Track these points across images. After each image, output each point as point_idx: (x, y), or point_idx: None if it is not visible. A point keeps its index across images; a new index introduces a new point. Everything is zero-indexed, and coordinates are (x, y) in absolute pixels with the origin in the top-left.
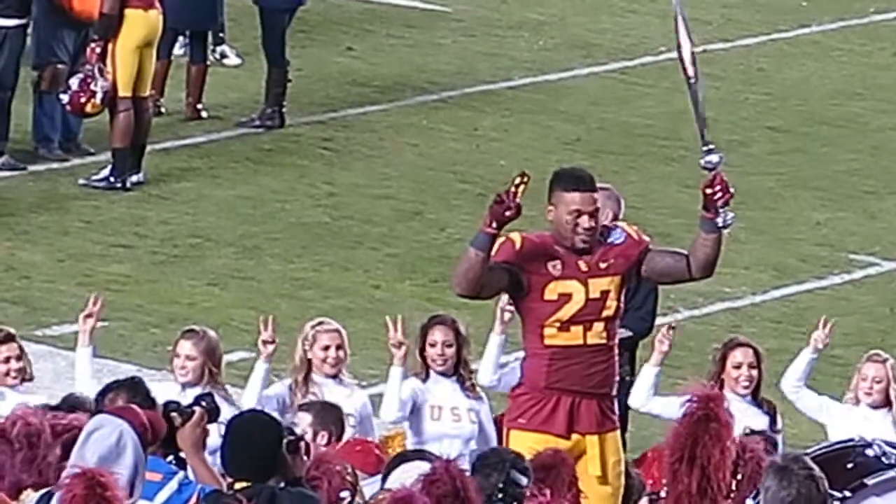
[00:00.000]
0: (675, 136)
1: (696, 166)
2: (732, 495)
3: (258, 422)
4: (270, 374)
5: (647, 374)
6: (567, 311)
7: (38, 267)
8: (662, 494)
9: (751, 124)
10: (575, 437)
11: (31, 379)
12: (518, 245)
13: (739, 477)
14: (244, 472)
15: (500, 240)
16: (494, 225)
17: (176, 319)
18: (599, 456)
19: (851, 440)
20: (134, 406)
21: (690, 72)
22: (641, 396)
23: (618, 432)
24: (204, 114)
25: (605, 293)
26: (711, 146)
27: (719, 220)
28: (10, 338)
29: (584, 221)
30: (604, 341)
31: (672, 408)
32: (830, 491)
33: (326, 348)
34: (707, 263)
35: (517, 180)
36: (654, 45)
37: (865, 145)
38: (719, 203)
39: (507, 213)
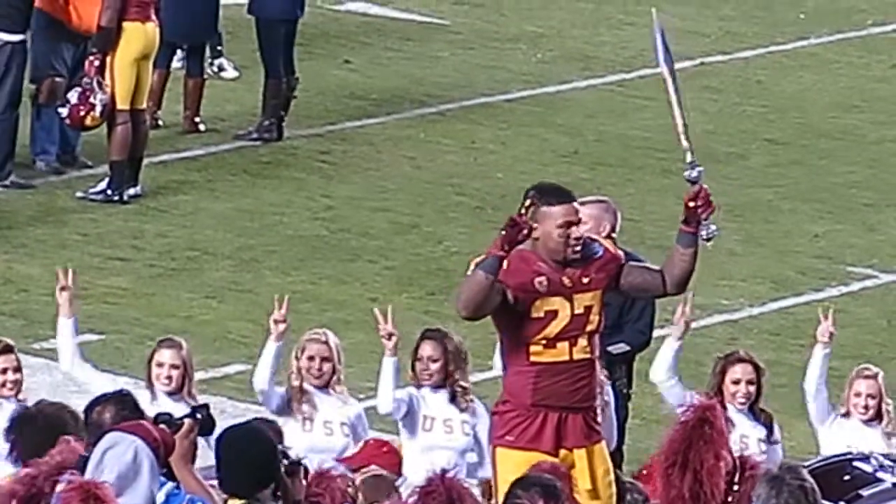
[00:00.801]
0: (672, 148)
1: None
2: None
3: (252, 436)
4: (283, 354)
5: (668, 348)
6: (554, 328)
7: (36, 280)
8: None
9: (749, 137)
10: (563, 452)
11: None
12: (504, 264)
13: (737, 489)
14: (238, 488)
15: (483, 258)
16: (506, 248)
17: (173, 332)
18: (588, 469)
19: (848, 454)
20: (145, 422)
21: (671, 88)
22: (664, 370)
23: (603, 443)
24: (202, 127)
25: (588, 308)
26: (695, 160)
27: (703, 233)
28: (8, 349)
29: (575, 231)
30: (588, 356)
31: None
32: (826, 502)
33: (311, 359)
34: (683, 279)
35: (527, 202)
36: (652, 57)
37: (864, 157)
38: (703, 216)
39: (520, 237)
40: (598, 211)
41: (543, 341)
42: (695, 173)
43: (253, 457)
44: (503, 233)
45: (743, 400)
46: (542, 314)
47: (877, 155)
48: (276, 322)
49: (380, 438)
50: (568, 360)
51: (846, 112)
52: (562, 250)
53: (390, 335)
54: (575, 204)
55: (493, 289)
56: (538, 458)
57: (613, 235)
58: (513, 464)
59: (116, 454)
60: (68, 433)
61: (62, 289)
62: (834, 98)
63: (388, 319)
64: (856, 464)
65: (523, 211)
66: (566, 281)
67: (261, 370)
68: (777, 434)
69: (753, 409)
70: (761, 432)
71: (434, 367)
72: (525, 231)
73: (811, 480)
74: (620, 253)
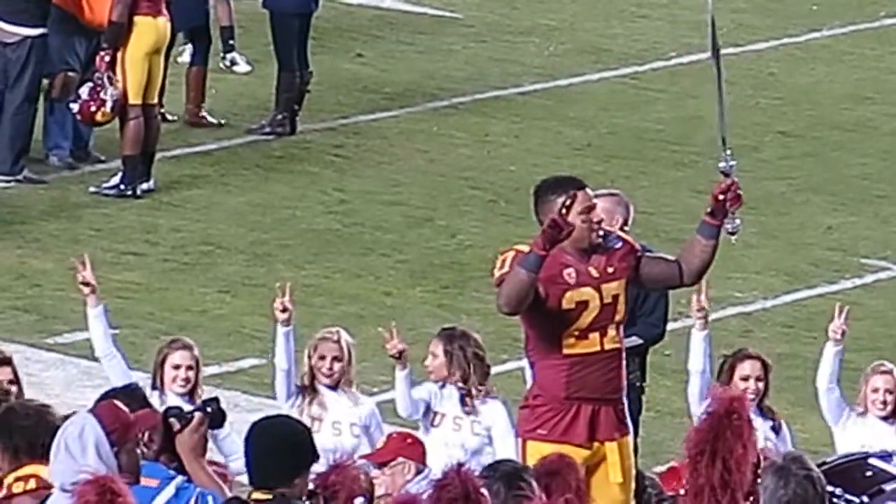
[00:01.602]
0: (686, 141)
1: (708, 171)
2: (751, 498)
3: (284, 427)
4: (295, 336)
5: (697, 339)
6: (585, 319)
7: (49, 275)
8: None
9: (762, 129)
10: (595, 445)
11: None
12: None
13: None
14: (268, 480)
15: (511, 253)
16: (548, 247)
17: (187, 327)
18: (620, 462)
19: (867, 453)
20: (116, 402)
21: (718, 79)
22: (699, 362)
23: (630, 436)
24: (211, 119)
25: (615, 297)
26: (730, 152)
27: (728, 226)
28: (6, 361)
29: (595, 216)
30: (618, 346)
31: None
32: (849, 496)
33: (322, 358)
34: (701, 270)
35: (567, 201)
36: (664, 49)
37: (877, 149)
38: (731, 209)
39: (561, 236)
40: (610, 204)
41: (576, 333)
42: (728, 166)
43: (284, 448)
44: (544, 233)
45: (752, 396)
46: (573, 305)
47: (890, 146)
48: (278, 310)
49: (402, 431)
50: (599, 351)
51: (859, 104)
52: (587, 236)
53: (400, 353)
54: (588, 189)
55: (534, 285)
56: (570, 451)
57: (626, 228)
58: (544, 456)
59: (66, 432)
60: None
61: (83, 283)
62: (847, 90)
63: (394, 335)
64: (874, 461)
65: (564, 211)
66: (593, 271)
67: (278, 353)
68: (784, 430)
69: (761, 406)
70: (769, 429)
71: (435, 363)
72: (566, 231)
73: (817, 469)
74: (637, 245)
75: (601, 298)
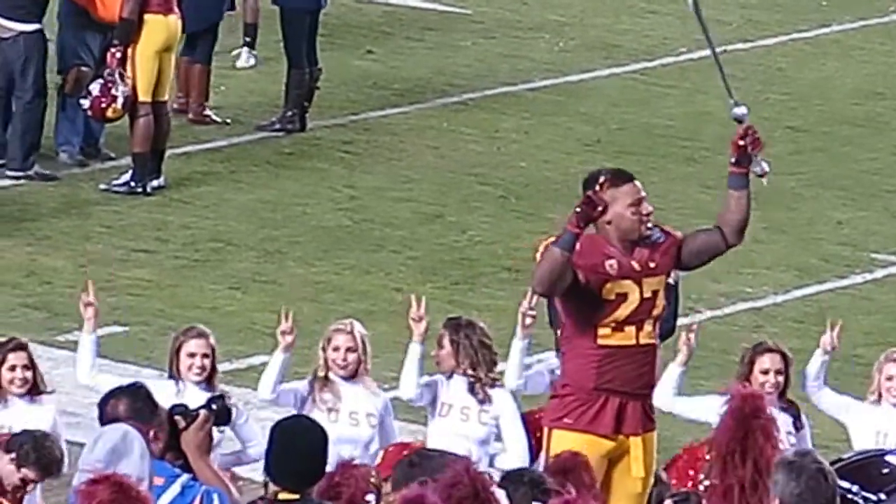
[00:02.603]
0: (696, 136)
1: (718, 167)
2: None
3: (305, 427)
4: (289, 365)
5: (672, 374)
6: (623, 312)
7: (60, 272)
8: (701, 488)
9: (771, 124)
10: (620, 438)
11: (40, 392)
12: (577, 245)
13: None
14: (289, 479)
15: (553, 240)
16: (582, 225)
17: (199, 324)
18: (643, 457)
19: (883, 450)
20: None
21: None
22: (666, 396)
23: (655, 432)
24: (216, 117)
25: (655, 292)
26: (738, 100)
27: (757, 169)
28: (20, 346)
29: (645, 208)
30: (652, 341)
31: (697, 408)
32: (865, 494)
33: (336, 349)
34: (741, 225)
35: (601, 179)
36: (674, 45)
37: (886, 144)
38: (754, 152)
39: (595, 213)
40: None
41: (612, 324)
42: (740, 111)
43: (305, 448)
44: (578, 210)
45: (771, 390)
46: (612, 297)
47: None
48: (282, 334)
49: (399, 443)
50: (634, 345)
51: (869, 99)
52: (637, 228)
53: (420, 319)
54: (637, 182)
55: (568, 266)
56: (595, 441)
57: None
58: (569, 446)
59: (107, 435)
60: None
61: (87, 304)
62: (856, 85)
63: (421, 306)
64: (890, 458)
65: (598, 188)
66: (635, 265)
67: (265, 379)
68: (805, 423)
69: (781, 400)
70: (788, 422)
71: (442, 353)
72: (601, 208)
73: (826, 463)
74: (679, 234)
75: (641, 292)
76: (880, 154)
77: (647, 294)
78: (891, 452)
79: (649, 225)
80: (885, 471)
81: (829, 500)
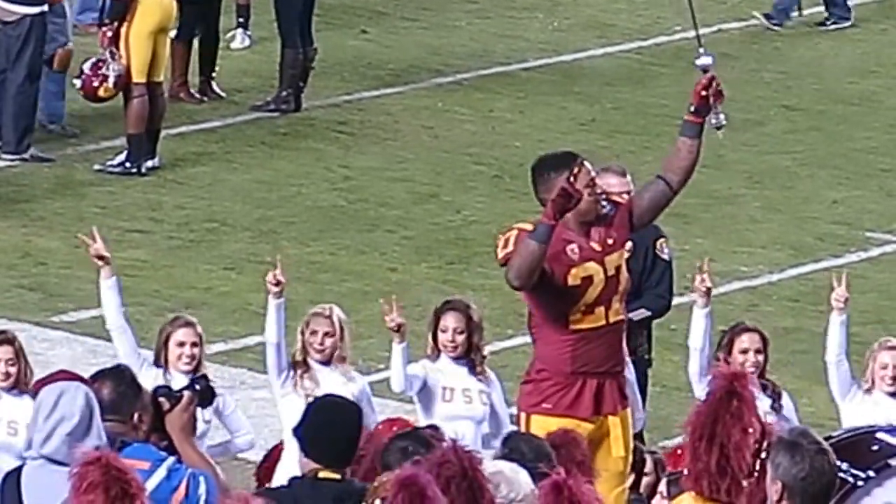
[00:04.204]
0: None
1: (713, 146)
2: (756, 474)
3: (342, 406)
4: (285, 309)
5: (698, 316)
6: (591, 294)
7: (55, 253)
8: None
9: (766, 103)
10: (599, 419)
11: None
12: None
13: (764, 456)
14: (328, 457)
15: (514, 233)
16: (558, 217)
17: (192, 304)
18: (622, 436)
19: (873, 426)
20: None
21: None
22: (699, 339)
23: (629, 409)
24: (196, 94)
25: (617, 268)
26: (705, 49)
27: (713, 121)
28: (6, 341)
29: (598, 187)
30: (621, 317)
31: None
32: (854, 471)
33: (314, 333)
34: (688, 172)
35: (575, 169)
36: (668, 24)
37: (882, 123)
38: (716, 104)
39: (571, 204)
40: (617, 179)
41: (582, 308)
42: (707, 60)
43: (343, 426)
44: (554, 202)
45: (752, 369)
46: (578, 281)
47: (894, 120)
48: (271, 283)
49: (389, 418)
50: (604, 325)
51: (864, 78)
52: (593, 209)
53: (399, 326)
54: (587, 162)
55: (545, 256)
56: (575, 425)
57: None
58: (549, 431)
59: (69, 401)
60: None
61: (97, 256)
62: (852, 64)
63: (395, 309)
64: (881, 435)
65: (572, 179)
66: (595, 245)
67: (269, 326)
68: (786, 403)
69: (762, 379)
70: (767, 403)
71: (459, 338)
72: (577, 199)
73: (824, 442)
74: (624, 197)
75: (605, 271)
76: (875, 133)
77: (611, 272)
78: (882, 430)
79: (604, 204)
80: (875, 448)
81: (832, 480)
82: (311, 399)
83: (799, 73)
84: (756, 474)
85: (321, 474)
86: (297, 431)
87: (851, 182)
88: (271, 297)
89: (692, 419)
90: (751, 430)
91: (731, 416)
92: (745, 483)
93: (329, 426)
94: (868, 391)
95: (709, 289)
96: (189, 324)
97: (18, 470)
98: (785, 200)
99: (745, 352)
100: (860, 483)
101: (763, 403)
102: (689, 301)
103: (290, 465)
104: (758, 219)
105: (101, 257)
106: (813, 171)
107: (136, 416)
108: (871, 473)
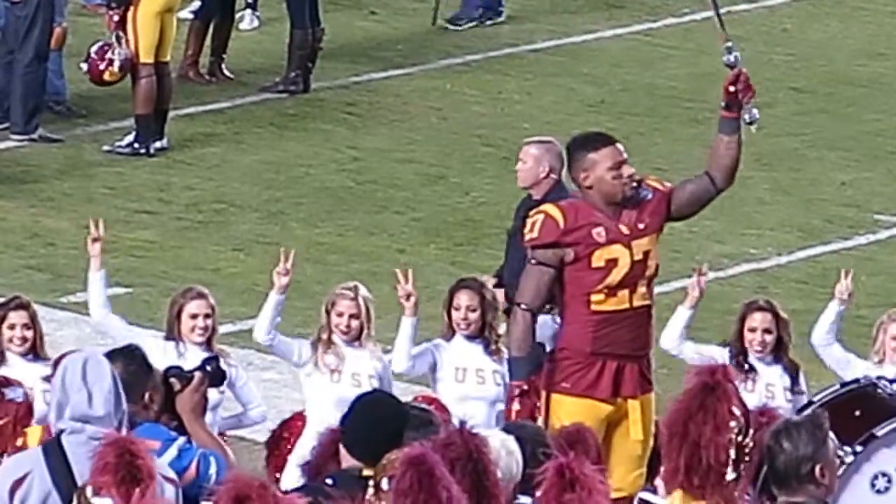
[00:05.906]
0: (699, 97)
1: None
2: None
3: (386, 402)
4: (283, 307)
5: (680, 316)
6: (615, 277)
7: (63, 234)
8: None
9: (775, 85)
10: (618, 401)
11: (40, 355)
12: (561, 221)
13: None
14: (371, 455)
15: (540, 217)
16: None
17: (201, 285)
18: (641, 420)
19: (857, 380)
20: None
21: None
22: (674, 339)
23: (653, 393)
24: (205, 75)
25: (646, 253)
26: (730, 44)
27: (746, 116)
28: (21, 306)
29: (626, 170)
30: (647, 302)
31: (703, 353)
32: (841, 447)
33: (340, 315)
34: (731, 169)
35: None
36: (677, 6)
37: (890, 105)
38: (745, 100)
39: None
40: (539, 151)
41: (605, 290)
42: (732, 57)
43: (387, 423)
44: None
45: (759, 348)
46: (602, 263)
47: None
48: (279, 274)
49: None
50: (628, 308)
51: (872, 59)
52: (619, 191)
53: (409, 295)
54: (619, 145)
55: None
56: (593, 405)
57: (553, 177)
58: (567, 410)
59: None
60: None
61: (94, 240)
62: (860, 45)
63: (409, 279)
64: (866, 393)
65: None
66: (623, 229)
67: (260, 321)
68: (802, 384)
69: (781, 359)
70: (787, 381)
71: (473, 316)
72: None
73: (827, 425)
74: (668, 186)
75: (631, 255)
76: (884, 115)
77: (638, 256)
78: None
79: (633, 186)
80: (858, 413)
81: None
82: (335, 375)
83: (807, 55)
84: (741, 464)
85: (365, 472)
86: (342, 423)
87: (860, 164)
88: (275, 290)
89: (667, 417)
90: (731, 423)
91: (705, 414)
92: (729, 475)
93: (372, 426)
94: (879, 363)
95: (701, 291)
96: (201, 295)
97: (58, 440)
98: (793, 183)
99: (753, 330)
100: (848, 459)
101: (783, 381)
102: (703, 264)
103: (308, 443)
104: (766, 201)
105: (97, 239)
106: (822, 153)
107: (146, 396)
108: (858, 448)
